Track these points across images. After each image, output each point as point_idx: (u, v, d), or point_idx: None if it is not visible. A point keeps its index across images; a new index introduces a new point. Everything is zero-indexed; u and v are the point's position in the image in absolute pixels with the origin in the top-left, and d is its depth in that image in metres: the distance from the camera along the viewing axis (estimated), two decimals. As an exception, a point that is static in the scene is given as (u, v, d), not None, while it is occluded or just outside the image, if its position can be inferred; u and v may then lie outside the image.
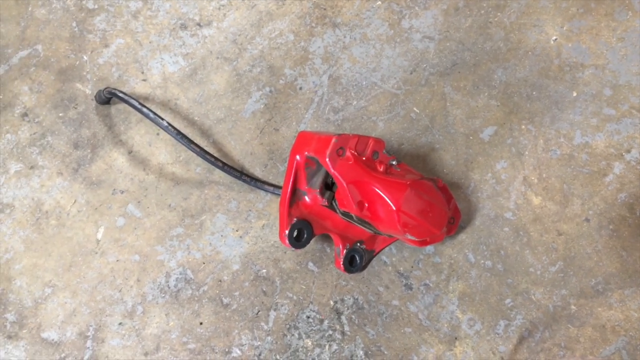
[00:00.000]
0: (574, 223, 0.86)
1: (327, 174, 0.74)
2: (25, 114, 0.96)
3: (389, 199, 0.69)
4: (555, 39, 0.94)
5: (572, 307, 0.83)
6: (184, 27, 1.00)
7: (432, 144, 0.90)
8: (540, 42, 0.94)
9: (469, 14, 0.97)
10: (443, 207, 0.75)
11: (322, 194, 0.75)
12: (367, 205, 0.71)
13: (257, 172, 0.92)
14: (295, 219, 0.75)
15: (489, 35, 0.95)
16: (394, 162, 0.74)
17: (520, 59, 0.94)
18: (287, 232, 0.75)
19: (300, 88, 0.95)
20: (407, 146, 0.91)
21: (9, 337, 0.85)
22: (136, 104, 0.86)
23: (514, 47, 0.94)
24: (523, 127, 0.90)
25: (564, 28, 0.95)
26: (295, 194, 0.75)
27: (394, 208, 0.69)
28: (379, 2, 0.99)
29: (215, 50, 0.98)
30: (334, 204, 0.75)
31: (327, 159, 0.69)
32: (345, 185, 0.70)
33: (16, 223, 0.90)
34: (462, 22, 0.97)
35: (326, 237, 0.86)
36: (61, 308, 0.86)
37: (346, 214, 0.75)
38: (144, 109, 0.85)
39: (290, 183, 0.74)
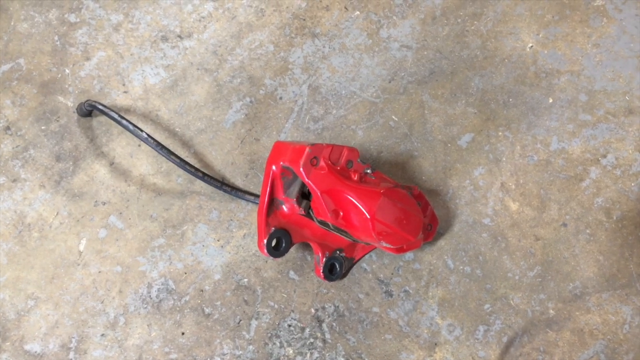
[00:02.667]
0: (551, 228, 0.87)
1: (303, 184, 0.75)
2: (7, 127, 0.96)
3: (363, 207, 0.70)
4: (531, 46, 0.96)
5: (551, 311, 0.84)
6: (164, 39, 1.01)
7: (410, 151, 0.91)
8: (517, 49, 0.96)
9: (446, 22, 0.98)
10: (418, 214, 0.76)
11: (299, 203, 0.76)
12: (342, 213, 0.72)
13: (239, 182, 0.92)
14: (273, 228, 0.76)
15: (465, 43, 0.97)
16: (368, 171, 0.75)
17: (497, 66, 0.95)
18: (265, 241, 0.75)
19: (281, 98, 0.96)
20: (386, 154, 0.92)
21: (-8, 350, 0.85)
22: (116, 116, 0.87)
23: (490, 54, 0.96)
24: (500, 133, 0.91)
25: (540, 35, 0.96)
26: (272, 203, 0.76)
27: (368, 216, 0.70)
28: (357, 12, 1.00)
29: (196, 61, 0.99)
30: (310, 212, 0.76)
31: (301, 169, 0.70)
32: (319, 194, 0.71)
33: (-2, 236, 0.90)
34: (439, 30, 0.98)
35: (307, 246, 0.86)
36: (44, 320, 0.86)
37: (323, 223, 0.76)
38: (124, 121, 0.86)
39: (267, 193, 0.75)
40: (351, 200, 0.71)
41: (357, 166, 0.75)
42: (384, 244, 0.73)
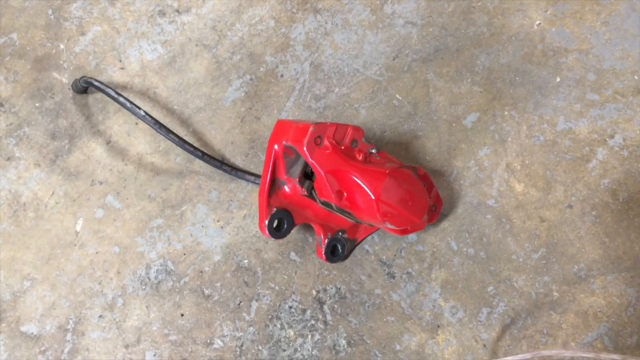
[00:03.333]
0: (556, 210, 0.85)
1: (306, 163, 0.73)
2: (1, 104, 0.94)
3: (368, 188, 0.68)
4: (539, 24, 0.93)
5: (555, 293, 0.83)
6: (162, 13, 0.98)
7: (414, 131, 0.90)
8: (524, 27, 0.93)
9: (452, -2, 0.95)
10: (423, 195, 0.74)
11: (302, 184, 0.74)
12: (346, 194, 0.70)
13: (238, 162, 0.90)
14: (274, 209, 0.74)
15: (472, 20, 0.94)
16: (373, 151, 0.73)
17: (504, 44, 0.93)
18: (266, 222, 0.74)
19: (282, 75, 0.94)
20: (389, 134, 0.90)
21: (-12, 331, 0.84)
22: (113, 93, 0.84)
23: (497, 32, 0.93)
24: (506, 113, 0.89)
25: (548, 12, 0.94)
26: (274, 183, 0.74)
27: (373, 197, 0.68)
28: (361, -13, 0.97)
29: (195, 37, 0.96)
30: (313, 193, 0.74)
31: (305, 148, 0.68)
32: (323, 174, 0.69)
33: (-7, 216, 0.88)
34: (444, 7, 0.95)
35: (308, 227, 0.85)
36: (40, 301, 0.85)
37: (326, 204, 0.74)
38: (121, 98, 0.84)
39: (269, 173, 0.73)
40: (356, 181, 0.69)
41: (361, 146, 0.73)
42: (389, 226, 0.71)
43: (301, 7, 0.97)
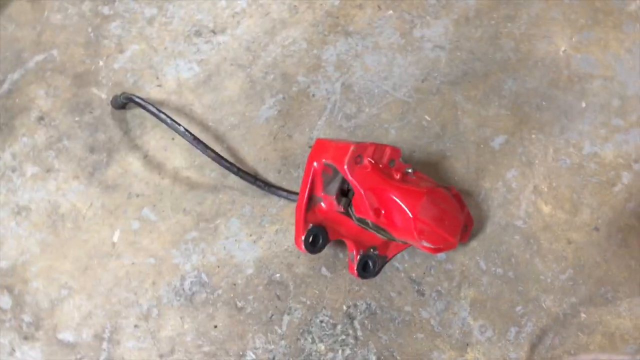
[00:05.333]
0: (583, 232, 0.87)
1: (344, 181, 0.76)
2: (41, 118, 0.97)
3: (406, 207, 0.71)
4: (565, 50, 0.96)
5: (582, 314, 0.84)
6: (198, 33, 1.01)
7: (443, 152, 0.92)
8: (550, 53, 0.96)
9: (480, 24, 0.98)
10: (458, 215, 0.76)
11: (339, 201, 0.76)
12: (383, 212, 0.73)
13: (271, 178, 0.93)
14: (311, 225, 0.76)
15: (499, 45, 0.97)
16: (409, 170, 0.76)
17: (530, 69, 0.95)
18: (303, 237, 0.76)
19: (313, 95, 0.97)
20: (418, 154, 0.92)
21: (25, 338, 0.86)
22: (153, 109, 0.87)
23: (524, 57, 0.96)
24: (533, 136, 0.92)
25: (573, 39, 0.97)
26: (311, 200, 0.77)
27: (411, 216, 0.70)
28: (391, 12, 1.00)
29: (230, 57, 0.99)
30: (349, 210, 0.77)
31: (346, 166, 0.70)
32: (362, 192, 0.71)
33: (32, 225, 0.91)
34: (472, 32, 0.98)
35: (339, 243, 0.87)
36: (77, 310, 0.87)
37: (362, 221, 0.76)
38: (162, 115, 0.86)
39: (307, 189, 0.75)
40: (394, 199, 0.71)
41: (399, 165, 0.75)
42: (424, 244, 0.73)
43: (332, 29, 1.00)
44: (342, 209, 0.76)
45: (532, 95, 0.94)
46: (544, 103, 0.93)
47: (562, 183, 0.89)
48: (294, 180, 0.92)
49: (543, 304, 0.85)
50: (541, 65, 0.96)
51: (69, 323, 0.86)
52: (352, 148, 0.70)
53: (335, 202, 0.76)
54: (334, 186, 0.76)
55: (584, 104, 0.93)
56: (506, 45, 0.97)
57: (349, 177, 0.71)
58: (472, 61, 0.97)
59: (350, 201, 0.76)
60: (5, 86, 0.99)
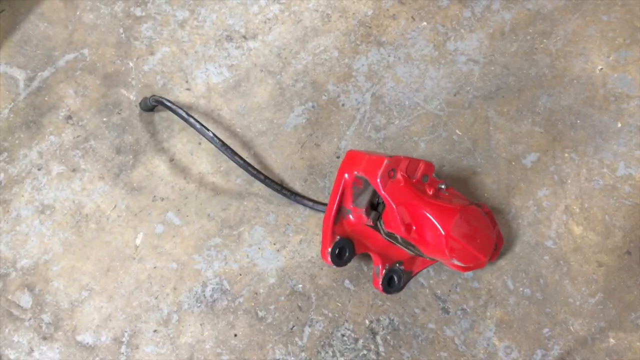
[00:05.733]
0: (615, 255, 0.85)
1: (374, 194, 0.74)
2: (69, 117, 0.97)
3: (439, 224, 0.69)
4: (601, 69, 0.94)
5: (611, 340, 0.82)
6: (229, 38, 1.01)
7: (473, 167, 0.90)
8: (586, 70, 0.94)
9: (515, 39, 0.97)
10: (490, 233, 0.74)
11: (368, 214, 0.75)
12: (415, 228, 0.71)
13: (297, 187, 0.92)
14: (338, 237, 0.75)
15: (534, 61, 0.95)
16: (442, 186, 0.74)
17: (565, 86, 0.93)
18: (329, 249, 0.75)
19: (343, 105, 0.96)
20: (448, 168, 0.91)
21: (44, 338, 0.85)
22: (183, 113, 0.87)
23: (559, 74, 0.94)
24: (566, 155, 0.90)
25: (610, 58, 0.95)
26: (340, 212, 0.76)
27: (444, 233, 0.69)
28: (425, 23, 0.99)
29: (260, 63, 0.99)
30: (378, 224, 0.75)
31: (379, 180, 0.69)
32: (394, 207, 0.70)
33: (56, 225, 0.91)
34: (507, 46, 0.97)
35: (363, 256, 0.86)
36: (97, 312, 0.86)
37: (391, 235, 0.75)
38: (191, 119, 0.86)
39: (337, 201, 0.74)
40: (426, 216, 0.70)
41: (432, 181, 0.74)
42: (455, 262, 0.72)
43: (365, 39, 0.99)
44: (371, 223, 0.75)
45: (567, 113, 0.92)
46: (578, 122, 0.92)
47: (595, 204, 0.87)
48: (320, 190, 0.91)
49: (571, 327, 0.83)
50: (576, 83, 0.94)
51: (89, 325, 0.85)
52: (385, 162, 0.69)
53: (364, 215, 0.75)
54: (364, 199, 0.75)
55: (619, 125, 0.91)
56: (541, 61, 0.95)
57: (382, 191, 0.69)
58: (506, 76, 0.95)
59: (380, 215, 0.74)
60: (35, 84, 0.99)
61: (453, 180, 0.90)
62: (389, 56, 0.98)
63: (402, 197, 0.70)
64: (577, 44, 0.96)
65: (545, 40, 0.96)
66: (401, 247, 0.76)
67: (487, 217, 0.77)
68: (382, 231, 0.75)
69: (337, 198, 0.74)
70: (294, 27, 1.00)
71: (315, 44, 0.99)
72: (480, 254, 0.73)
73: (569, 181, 0.89)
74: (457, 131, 0.93)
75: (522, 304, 0.84)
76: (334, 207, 0.74)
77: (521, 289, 0.84)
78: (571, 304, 0.83)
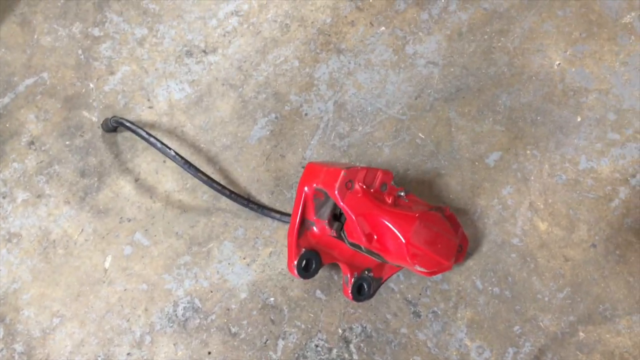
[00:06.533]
0: (580, 249, 0.86)
1: (335, 205, 0.75)
2: (31, 142, 0.96)
3: (398, 232, 0.69)
4: (559, 64, 0.95)
5: (581, 333, 0.83)
6: (189, 54, 1.00)
7: (437, 169, 0.91)
8: (544, 66, 0.95)
9: (473, 39, 0.98)
10: (451, 237, 0.75)
11: (331, 225, 0.75)
12: (376, 237, 0.72)
13: (264, 199, 0.92)
14: (303, 250, 0.75)
15: (492, 60, 0.96)
16: (402, 194, 0.75)
17: (524, 83, 0.94)
18: (295, 262, 0.75)
19: (306, 114, 0.96)
20: (412, 172, 0.91)
21: (17, 368, 0.85)
22: (143, 133, 0.86)
23: (517, 72, 0.95)
24: (528, 152, 0.91)
25: (567, 53, 0.96)
26: (303, 224, 0.76)
27: (404, 241, 0.69)
28: (383, 28, 1.00)
29: (221, 77, 0.98)
30: (342, 234, 0.76)
31: (336, 192, 0.69)
32: (354, 218, 0.70)
33: (24, 252, 0.90)
34: (465, 47, 0.97)
35: (334, 265, 0.86)
36: (69, 338, 0.86)
37: (355, 245, 0.75)
38: (151, 139, 0.86)
39: (299, 214, 0.74)
40: (386, 224, 0.70)
41: (391, 189, 0.74)
42: (418, 268, 0.72)
43: (325, 47, 0.99)
44: (334, 234, 0.75)
45: (527, 110, 0.93)
46: (538, 118, 0.92)
47: (559, 199, 0.88)
48: (287, 202, 0.91)
49: (541, 323, 0.83)
50: (535, 79, 0.95)
51: (62, 352, 0.85)
52: (342, 173, 0.69)
53: (327, 227, 0.75)
54: (326, 210, 0.75)
55: (579, 118, 0.92)
56: (500, 60, 0.96)
57: (340, 203, 0.70)
58: (465, 77, 0.96)
59: (343, 226, 0.75)
60: (-4, 111, 0.98)
61: (418, 183, 0.90)
62: (349, 63, 0.98)
63: (361, 207, 0.70)
64: (534, 40, 0.97)
65: (502, 39, 0.97)
66: (366, 255, 0.76)
67: (449, 220, 0.78)
68: (346, 241, 0.76)
69: (299, 211, 0.74)
70: (254, 38, 1.00)
71: (275, 54, 0.99)
72: (443, 258, 0.73)
73: (532, 178, 0.89)
74: (419, 134, 0.93)
75: (491, 303, 0.84)
76: (297, 221, 0.74)
77: (490, 288, 0.85)
78: (540, 300, 0.84)
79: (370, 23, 1.00)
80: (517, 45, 0.97)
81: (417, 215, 0.70)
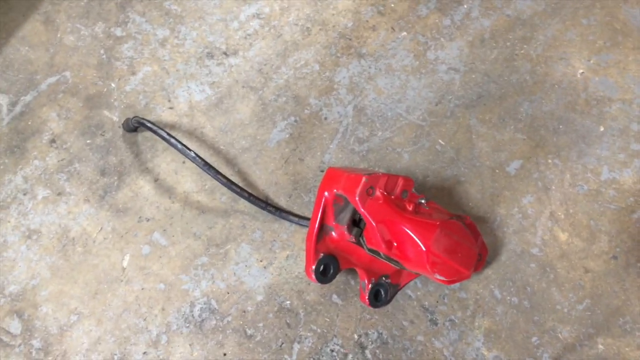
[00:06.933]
0: (601, 260, 0.85)
1: (355, 211, 0.74)
2: (53, 140, 0.97)
3: (419, 240, 0.69)
4: (582, 73, 0.94)
5: (600, 346, 0.82)
6: (210, 55, 1.01)
7: (457, 176, 0.90)
8: (567, 75, 0.94)
9: (495, 45, 0.97)
10: (472, 246, 0.74)
11: (350, 231, 0.75)
12: (396, 244, 0.71)
13: (282, 202, 0.92)
14: (321, 254, 0.75)
15: (515, 67, 0.95)
16: (422, 201, 0.74)
17: (547, 92, 0.93)
18: (313, 267, 0.75)
19: (325, 118, 0.96)
20: (432, 179, 0.91)
21: (34, 364, 0.85)
22: (164, 134, 0.87)
23: (540, 80, 0.94)
24: (550, 161, 0.90)
25: (591, 61, 0.95)
26: (322, 229, 0.76)
27: (424, 249, 0.69)
28: (405, 33, 0.99)
29: (241, 79, 0.99)
30: (361, 240, 0.75)
31: (357, 198, 0.69)
32: (374, 224, 0.70)
33: (43, 249, 0.91)
34: (487, 54, 0.97)
35: (350, 270, 0.86)
36: (86, 336, 0.86)
37: (373, 251, 0.75)
38: (172, 140, 0.86)
39: (318, 219, 0.74)
40: (407, 232, 0.70)
41: (411, 196, 0.74)
42: (438, 277, 0.72)
43: (345, 51, 0.99)
44: (353, 239, 0.75)
45: (549, 118, 0.92)
46: (560, 127, 0.92)
47: (580, 210, 0.87)
48: (305, 205, 0.91)
49: (559, 335, 0.83)
50: (558, 88, 0.94)
51: (78, 349, 0.85)
52: (363, 180, 0.69)
53: (346, 232, 0.75)
54: (345, 216, 0.75)
55: (602, 128, 0.91)
56: (522, 68, 0.95)
57: (361, 209, 0.69)
58: (487, 83, 0.95)
59: (362, 231, 0.74)
60: (18, 108, 0.99)
61: (437, 190, 0.90)
62: (370, 68, 0.98)
63: (382, 214, 0.70)
64: (558, 48, 0.96)
65: (525, 46, 0.96)
66: (385, 261, 0.76)
67: (470, 228, 0.77)
68: (365, 247, 0.75)
69: (319, 216, 0.74)
70: (275, 41, 1.00)
71: (296, 58, 0.99)
72: (463, 267, 0.73)
73: (553, 187, 0.89)
74: (440, 141, 0.93)
75: (509, 312, 0.84)
76: (316, 226, 0.74)
77: (508, 297, 0.84)
78: (559, 311, 0.83)
79: (392, 28, 1.00)
80: (539, 53, 0.96)
81: (438, 223, 0.70)
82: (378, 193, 0.70)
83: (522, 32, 0.97)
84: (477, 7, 0.99)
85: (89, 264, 0.90)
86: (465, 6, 0.99)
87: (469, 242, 0.74)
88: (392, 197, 0.72)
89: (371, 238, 0.72)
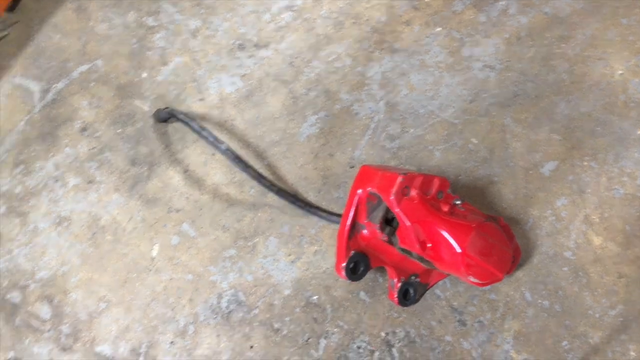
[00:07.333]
0: (635, 266, 0.83)
1: (388, 209, 0.74)
2: (84, 129, 0.97)
3: (455, 241, 0.68)
4: (622, 74, 0.92)
5: (632, 353, 0.80)
6: (241, 47, 1.00)
7: (490, 176, 0.89)
8: (606, 76, 0.92)
9: (532, 44, 0.95)
10: (506, 249, 0.73)
11: (382, 229, 0.74)
12: (430, 245, 0.70)
13: (311, 197, 0.91)
14: (352, 252, 0.75)
15: (552, 67, 0.93)
16: (458, 202, 0.73)
17: (584, 92, 0.91)
18: (344, 264, 0.74)
19: (356, 113, 0.95)
20: (464, 178, 0.89)
21: (64, 349, 0.86)
22: (196, 126, 0.87)
23: (577, 80, 0.92)
24: (585, 163, 0.88)
25: (631, 62, 0.92)
26: (354, 227, 0.75)
27: (459, 251, 0.68)
28: (439, 29, 0.98)
29: (272, 72, 0.98)
30: (393, 239, 0.75)
31: (392, 197, 0.68)
32: (409, 224, 0.69)
33: (73, 236, 0.92)
34: (524, 52, 0.95)
35: (379, 268, 0.85)
36: (115, 323, 0.87)
37: (405, 251, 0.74)
38: (204, 132, 0.86)
39: (350, 216, 0.73)
40: (442, 233, 0.69)
41: (447, 197, 0.73)
42: (472, 279, 0.71)
43: (378, 46, 0.98)
44: (385, 238, 0.74)
45: (586, 120, 0.90)
46: (598, 128, 0.90)
47: (615, 214, 0.86)
48: (334, 201, 0.91)
49: (590, 340, 0.81)
50: (596, 88, 0.92)
51: (107, 336, 0.86)
52: (399, 179, 0.68)
53: (378, 231, 0.74)
54: (378, 214, 0.74)
55: (640, 131, 0.89)
56: (559, 67, 0.93)
57: (395, 209, 0.69)
58: (523, 82, 0.93)
59: (394, 230, 0.74)
60: (50, 95, 1.00)
61: (469, 190, 0.89)
62: (402, 63, 0.96)
63: (417, 214, 0.69)
64: (597, 48, 0.94)
65: (563, 45, 0.94)
66: (416, 261, 0.75)
67: (504, 230, 0.76)
68: (396, 246, 0.75)
69: (351, 213, 0.73)
70: (307, 34, 1.00)
71: (328, 51, 0.98)
72: (497, 270, 0.72)
73: (589, 190, 0.87)
74: (473, 139, 0.91)
75: (540, 316, 0.83)
76: (348, 223, 0.74)
77: (539, 300, 0.83)
78: (591, 316, 0.82)
79: (426, 23, 0.98)
80: (578, 53, 0.94)
81: (474, 225, 0.69)
82: (413, 193, 0.70)
83: (560, 30, 0.95)
84: (514, 4, 0.97)
85: (118, 253, 0.90)
86: (502, 3, 0.97)
87: (504, 244, 0.73)
88: (428, 197, 0.71)
89: (404, 238, 0.71)
